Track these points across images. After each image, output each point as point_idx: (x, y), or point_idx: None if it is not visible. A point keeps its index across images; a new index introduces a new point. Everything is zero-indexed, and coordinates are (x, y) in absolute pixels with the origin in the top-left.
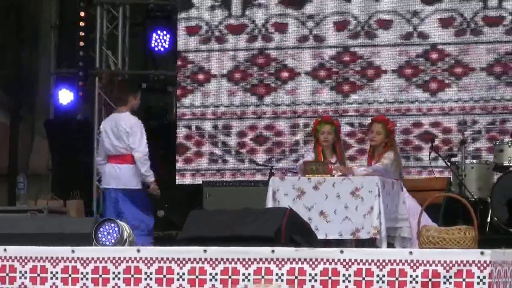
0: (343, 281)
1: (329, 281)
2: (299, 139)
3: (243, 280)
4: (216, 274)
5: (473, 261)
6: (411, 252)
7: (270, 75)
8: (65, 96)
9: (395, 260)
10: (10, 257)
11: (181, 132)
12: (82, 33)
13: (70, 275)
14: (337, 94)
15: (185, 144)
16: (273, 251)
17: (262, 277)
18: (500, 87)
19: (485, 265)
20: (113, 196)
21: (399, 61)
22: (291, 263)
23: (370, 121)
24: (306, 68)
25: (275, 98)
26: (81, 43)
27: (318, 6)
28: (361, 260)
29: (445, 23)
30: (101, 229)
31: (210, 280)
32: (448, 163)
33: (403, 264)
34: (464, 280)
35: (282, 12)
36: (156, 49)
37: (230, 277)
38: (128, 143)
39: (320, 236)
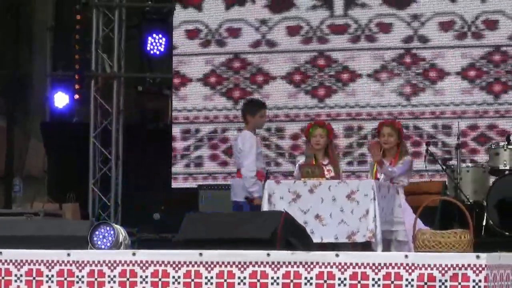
0: (339, 284)
1: (325, 284)
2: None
3: (239, 283)
4: (212, 277)
5: (469, 265)
6: (406, 256)
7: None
8: (61, 99)
9: (390, 264)
10: (6, 261)
11: (176, 135)
12: (78, 36)
13: (65, 279)
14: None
15: (181, 147)
16: (268, 254)
17: (258, 280)
18: None
19: (480, 268)
20: (234, 207)
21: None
22: (286, 266)
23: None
24: None
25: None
26: (77, 46)
27: (423, 6)
28: (357, 264)
29: None
30: (97, 233)
31: (206, 283)
32: (444, 167)
33: (398, 268)
34: (459, 283)
35: (386, 12)
36: (152, 52)
37: (225, 280)
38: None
39: (316, 239)
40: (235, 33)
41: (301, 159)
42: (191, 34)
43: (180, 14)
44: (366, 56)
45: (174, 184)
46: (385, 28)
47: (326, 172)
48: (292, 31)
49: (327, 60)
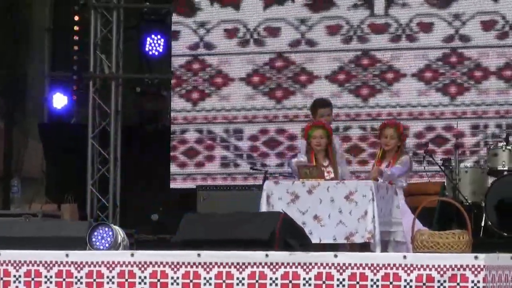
0: (337, 285)
1: (323, 285)
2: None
3: (237, 284)
4: (210, 278)
5: (467, 266)
6: (405, 257)
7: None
8: (60, 100)
9: (389, 265)
10: (4, 261)
11: (175, 136)
12: (76, 37)
13: (64, 279)
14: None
15: (179, 148)
16: (267, 255)
17: (256, 281)
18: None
19: (479, 269)
20: None
21: None
22: (285, 267)
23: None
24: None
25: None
26: (75, 47)
27: (465, 6)
28: (355, 264)
29: None
30: (95, 233)
31: (204, 284)
32: (442, 168)
33: (397, 269)
34: (458, 284)
35: (427, 12)
36: (150, 53)
37: (224, 281)
38: None
39: (314, 240)
40: (274, 32)
41: (300, 158)
42: (230, 34)
43: (218, 14)
44: (409, 55)
45: (173, 185)
46: (426, 27)
47: (326, 174)
48: (332, 30)
49: (371, 60)
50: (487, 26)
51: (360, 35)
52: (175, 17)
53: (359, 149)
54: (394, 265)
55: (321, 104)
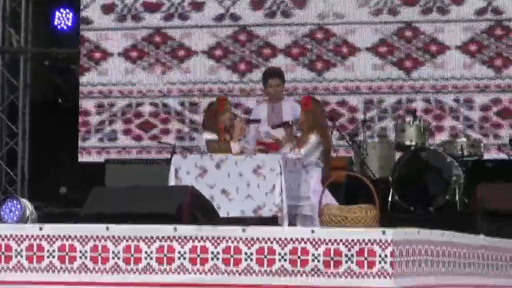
0: (245, 259)
1: (231, 259)
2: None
3: (146, 258)
4: (119, 251)
5: (375, 240)
6: (313, 231)
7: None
8: None
9: (297, 239)
10: None
11: (83, 109)
12: None
13: None
14: None
15: (90, 122)
16: (175, 229)
17: (165, 255)
18: None
19: (386, 244)
20: None
21: None
22: (193, 241)
23: None
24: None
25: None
26: None
27: None
28: (263, 239)
29: None
30: (4, 207)
31: (113, 258)
32: (350, 142)
33: (305, 243)
34: (366, 258)
35: None
36: (59, 27)
37: (132, 255)
38: None
39: (222, 214)
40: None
41: (205, 134)
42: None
43: None
44: (455, 27)
45: (81, 158)
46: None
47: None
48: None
49: (414, 32)
50: None
51: (390, 7)
52: None
53: None
54: (302, 239)
55: (271, 74)
